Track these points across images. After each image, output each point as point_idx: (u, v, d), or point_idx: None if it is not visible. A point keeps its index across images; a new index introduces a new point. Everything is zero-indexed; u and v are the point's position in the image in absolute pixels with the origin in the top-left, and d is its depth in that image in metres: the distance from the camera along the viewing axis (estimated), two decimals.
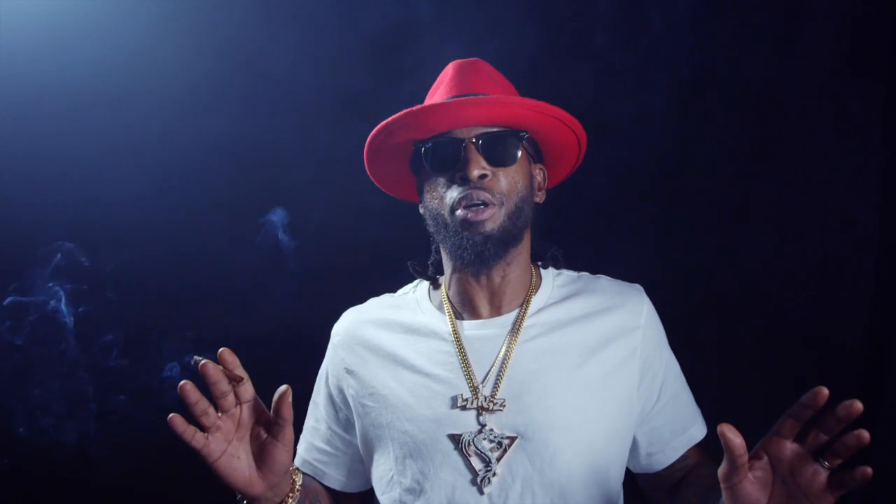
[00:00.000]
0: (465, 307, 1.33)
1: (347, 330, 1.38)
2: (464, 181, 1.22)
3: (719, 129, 1.95)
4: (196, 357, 1.00)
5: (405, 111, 1.23)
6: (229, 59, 2.01)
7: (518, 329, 1.27)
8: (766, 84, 1.90)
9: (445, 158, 1.24)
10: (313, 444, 1.40)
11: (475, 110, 1.21)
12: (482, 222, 1.21)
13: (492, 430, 1.19)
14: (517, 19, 2.00)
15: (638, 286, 1.36)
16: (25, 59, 1.95)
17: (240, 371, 1.04)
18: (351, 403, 1.33)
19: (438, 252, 1.41)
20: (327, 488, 1.39)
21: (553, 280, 1.36)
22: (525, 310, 1.30)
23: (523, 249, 1.32)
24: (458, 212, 1.22)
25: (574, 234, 1.50)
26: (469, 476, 1.19)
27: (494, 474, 1.18)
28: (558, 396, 1.21)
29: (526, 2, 2.00)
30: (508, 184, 1.24)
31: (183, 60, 2.00)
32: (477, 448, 1.19)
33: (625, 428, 1.26)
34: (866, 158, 1.85)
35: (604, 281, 1.37)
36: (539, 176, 1.36)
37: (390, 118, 1.24)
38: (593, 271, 1.42)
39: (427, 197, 1.28)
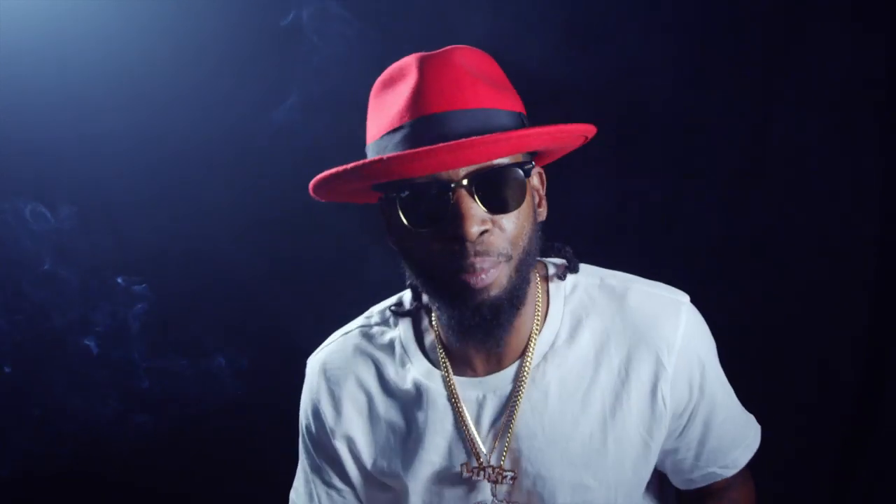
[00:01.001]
0: (458, 359, 1.10)
1: (329, 377, 1.16)
2: (459, 241, 0.91)
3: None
4: None
5: (370, 160, 0.89)
6: (231, 58, 2.00)
7: (520, 388, 1.05)
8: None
9: (430, 209, 0.92)
10: None
11: (469, 153, 0.88)
12: (486, 289, 0.94)
13: (503, 502, 1.07)
14: None
15: (678, 300, 1.07)
16: (26, 58, 1.95)
17: None
18: (342, 461, 1.16)
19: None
20: None
21: (564, 304, 1.09)
22: (527, 360, 1.06)
23: (531, 286, 1.06)
24: (453, 280, 0.94)
25: (574, 211, 1.31)
26: None
27: None
28: (571, 464, 1.06)
29: None
30: (515, 230, 0.95)
31: (185, 59, 2.00)
32: None
33: (649, 470, 1.12)
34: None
35: (632, 296, 1.08)
36: (538, 183, 1.06)
37: (343, 167, 0.91)
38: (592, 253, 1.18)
39: (404, 251, 1.00)
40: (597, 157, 1.38)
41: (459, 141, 0.86)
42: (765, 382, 1.90)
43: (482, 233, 0.92)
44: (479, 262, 0.92)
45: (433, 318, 1.13)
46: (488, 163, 0.92)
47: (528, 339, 1.07)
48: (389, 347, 1.15)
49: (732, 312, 1.94)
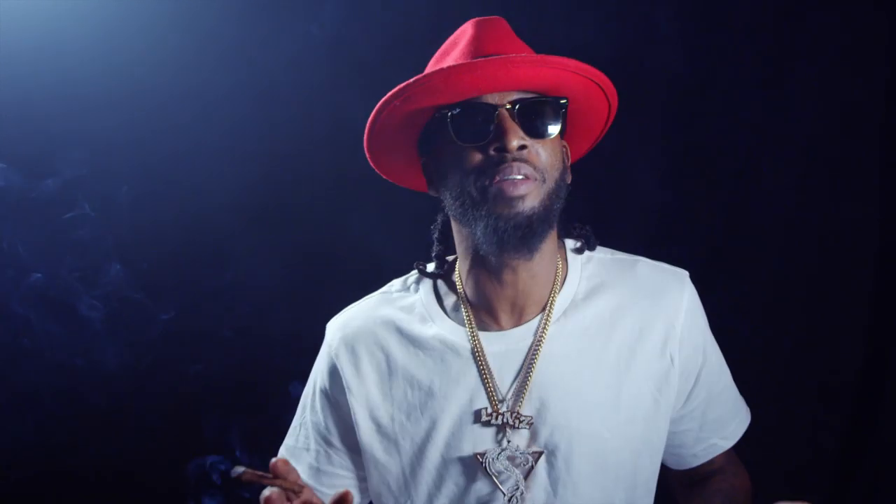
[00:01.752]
0: (483, 314, 1.19)
1: (347, 336, 1.23)
2: (499, 152, 1.05)
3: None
4: (236, 469, 0.89)
5: (433, 70, 1.06)
6: (232, 57, 2.00)
7: (541, 340, 1.15)
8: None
9: (476, 127, 1.07)
10: (318, 469, 1.26)
11: (515, 71, 1.04)
12: (522, 197, 1.05)
13: (517, 447, 1.12)
14: None
15: (681, 273, 1.21)
16: (26, 58, 1.95)
17: (294, 477, 0.96)
18: (357, 420, 1.21)
19: (443, 242, 1.27)
20: None
21: (581, 270, 1.21)
22: (548, 315, 1.16)
23: (552, 238, 1.16)
24: (493, 187, 1.05)
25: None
26: (496, 496, 1.13)
27: (522, 493, 1.12)
28: (586, 412, 1.13)
29: None
30: (548, 157, 1.08)
31: (186, 58, 2.00)
32: (502, 467, 1.12)
33: (657, 441, 1.19)
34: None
35: (641, 267, 1.21)
36: (565, 152, 1.19)
37: (412, 79, 1.06)
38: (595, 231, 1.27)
39: (449, 173, 1.11)
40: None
41: (511, 57, 1.04)
42: (765, 383, 1.90)
43: (521, 148, 1.06)
44: (516, 169, 1.05)
45: (457, 278, 1.22)
46: (530, 95, 1.08)
47: (549, 297, 1.17)
48: (410, 308, 1.23)
49: (733, 309, 1.95)
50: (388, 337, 1.21)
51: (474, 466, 1.13)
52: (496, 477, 1.12)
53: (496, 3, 1.38)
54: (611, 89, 1.15)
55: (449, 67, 1.05)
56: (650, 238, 1.95)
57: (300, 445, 1.27)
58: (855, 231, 1.88)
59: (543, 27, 1.80)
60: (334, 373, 1.23)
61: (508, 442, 1.12)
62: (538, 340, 1.15)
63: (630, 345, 1.15)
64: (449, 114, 1.08)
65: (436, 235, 1.29)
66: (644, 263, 1.22)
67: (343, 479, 1.26)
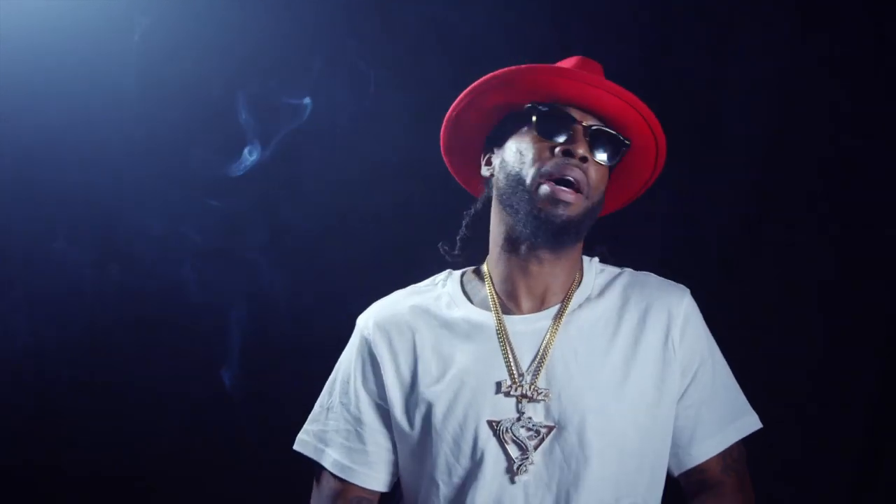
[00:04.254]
0: (507, 300, 1.31)
1: (379, 321, 1.34)
2: (566, 155, 1.21)
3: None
4: None
5: (557, 65, 1.27)
6: (234, 57, 2.00)
7: (558, 324, 1.27)
8: None
9: (556, 127, 1.23)
10: (350, 448, 1.32)
11: (610, 98, 1.23)
12: (567, 203, 1.20)
13: (530, 418, 1.20)
14: None
15: (683, 286, 1.34)
16: (26, 58, 1.96)
17: None
18: (389, 395, 1.29)
19: (471, 228, 1.42)
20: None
21: (595, 276, 1.35)
22: (566, 304, 1.29)
23: (578, 247, 1.32)
24: (545, 186, 1.20)
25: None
26: (504, 463, 1.20)
27: (532, 463, 1.19)
28: (597, 391, 1.21)
29: None
30: (597, 179, 1.24)
31: (188, 57, 1.99)
32: (514, 435, 1.20)
33: (661, 429, 1.26)
34: None
35: (646, 277, 1.36)
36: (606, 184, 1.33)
37: (531, 65, 1.25)
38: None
39: (509, 156, 1.27)
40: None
41: (608, 82, 1.23)
42: (781, 386, 1.89)
43: (583, 159, 1.21)
44: (571, 172, 1.20)
45: (486, 267, 1.35)
46: (602, 124, 1.25)
47: (568, 292, 1.31)
48: (438, 298, 1.35)
49: (748, 310, 1.93)
50: (416, 319, 1.32)
51: (488, 434, 1.21)
52: (507, 445, 1.20)
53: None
54: (660, 161, 1.34)
55: (570, 70, 1.24)
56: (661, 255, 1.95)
57: (329, 428, 1.34)
58: (874, 238, 1.88)
59: None
60: (369, 353, 1.32)
61: (523, 414, 1.21)
62: (556, 324, 1.27)
63: (636, 333, 1.26)
64: (538, 107, 1.24)
65: (466, 221, 1.44)
66: (651, 276, 1.36)
67: (374, 455, 1.31)
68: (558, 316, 1.28)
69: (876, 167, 1.89)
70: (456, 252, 1.44)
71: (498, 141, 1.32)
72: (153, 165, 2.01)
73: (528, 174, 1.22)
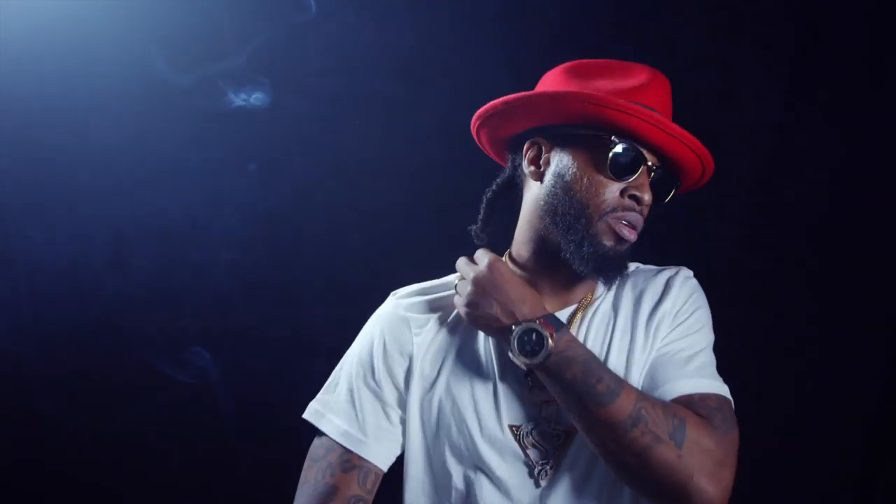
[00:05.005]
0: None
1: (412, 301, 1.34)
2: (634, 200, 1.19)
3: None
4: None
5: (645, 111, 1.15)
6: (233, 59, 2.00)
7: (574, 318, 1.26)
8: None
9: (627, 168, 1.19)
10: (364, 419, 1.30)
11: (684, 151, 1.20)
12: (627, 242, 1.20)
13: (550, 422, 1.19)
14: None
15: (681, 267, 1.32)
16: (27, 58, 1.96)
17: None
18: (403, 382, 1.29)
19: (491, 205, 1.36)
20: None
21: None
22: (583, 304, 1.28)
23: None
24: (611, 220, 1.19)
25: None
26: (526, 468, 1.19)
27: (553, 467, 1.18)
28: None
29: None
30: (645, 220, 1.23)
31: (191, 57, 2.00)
32: (535, 440, 1.19)
33: None
34: None
35: (647, 267, 1.34)
36: None
37: (633, 106, 1.15)
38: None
39: (572, 175, 1.21)
40: None
41: (696, 141, 1.19)
42: (781, 386, 1.90)
43: (647, 206, 1.20)
44: (636, 219, 1.20)
45: (508, 263, 1.32)
46: (664, 167, 1.23)
47: (587, 295, 1.29)
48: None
49: (758, 320, 1.93)
50: (445, 311, 1.31)
51: (509, 439, 1.20)
52: (528, 449, 1.19)
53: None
54: (696, 187, 1.32)
55: (655, 118, 1.16)
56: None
57: (342, 398, 1.31)
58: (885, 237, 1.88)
59: None
60: (400, 324, 1.32)
61: (543, 418, 1.19)
62: (572, 319, 1.26)
63: (632, 322, 1.24)
64: (615, 144, 1.19)
65: (489, 196, 1.37)
66: (652, 266, 1.34)
67: (382, 430, 1.29)
68: (575, 312, 1.27)
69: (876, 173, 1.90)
70: (483, 234, 1.36)
71: (557, 141, 1.25)
72: (140, 160, 2.03)
73: (591, 208, 1.19)
